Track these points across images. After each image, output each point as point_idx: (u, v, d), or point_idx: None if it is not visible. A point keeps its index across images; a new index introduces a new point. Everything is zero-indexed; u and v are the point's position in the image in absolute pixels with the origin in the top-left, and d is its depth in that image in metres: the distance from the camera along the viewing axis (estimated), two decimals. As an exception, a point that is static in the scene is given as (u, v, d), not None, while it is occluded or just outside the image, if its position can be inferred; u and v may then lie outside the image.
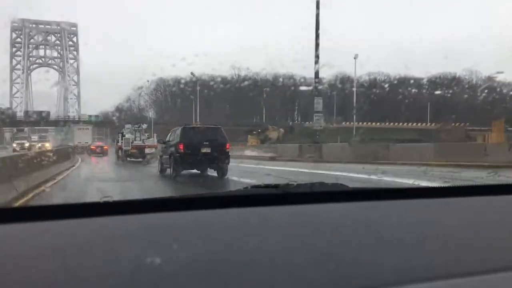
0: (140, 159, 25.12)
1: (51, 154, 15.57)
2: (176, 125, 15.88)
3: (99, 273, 0.90)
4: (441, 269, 0.95)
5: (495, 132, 34.11)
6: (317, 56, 25.44)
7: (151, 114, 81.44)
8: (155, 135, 27.52)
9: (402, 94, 75.43)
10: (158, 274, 0.88)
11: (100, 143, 39.03)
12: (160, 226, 1.22)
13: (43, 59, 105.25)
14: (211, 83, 70.51)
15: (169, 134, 15.74)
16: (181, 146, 13.65)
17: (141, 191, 10.61)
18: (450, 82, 79.20)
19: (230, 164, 14.13)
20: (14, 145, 40.90)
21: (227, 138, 14.79)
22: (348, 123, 56.78)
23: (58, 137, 58.44)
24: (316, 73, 26.95)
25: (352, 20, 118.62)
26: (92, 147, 37.77)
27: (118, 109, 78.90)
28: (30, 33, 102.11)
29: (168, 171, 14.55)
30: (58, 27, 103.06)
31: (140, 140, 26.63)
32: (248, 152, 31.66)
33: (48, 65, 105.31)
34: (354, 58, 42.99)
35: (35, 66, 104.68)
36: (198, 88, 54.15)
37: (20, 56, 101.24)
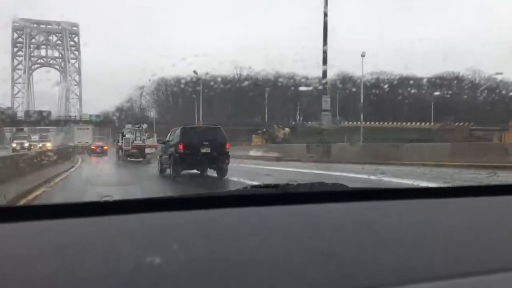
0: (140, 159, 25.16)
1: (51, 154, 15.51)
2: (178, 125, 15.77)
3: (99, 272, 0.90)
4: (441, 269, 0.94)
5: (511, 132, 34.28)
6: (325, 52, 25.33)
7: (152, 114, 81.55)
8: (155, 135, 27.52)
9: (402, 94, 75.47)
10: (158, 274, 0.88)
11: (100, 143, 38.96)
12: (160, 226, 1.22)
13: (44, 59, 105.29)
14: (211, 83, 70.53)
15: (169, 134, 15.67)
16: (180, 146, 13.62)
17: (141, 191, 10.59)
18: (453, 81, 79.09)
19: (237, 165, 13.87)
20: (14, 145, 40.47)
21: (227, 138, 14.75)
22: (350, 122, 56.74)
23: (58, 137, 58.40)
24: (324, 73, 26.92)
25: (352, 20, 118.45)
26: (92, 147, 37.74)
27: (119, 109, 78.93)
28: (32, 33, 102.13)
29: (168, 171, 14.51)
30: (59, 27, 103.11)
31: (141, 140, 26.66)
32: (253, 152, 30.99)
33: (50, 65, 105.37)
34: (362, 55, 42.27)
35: (36, 66, 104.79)
36: (200, 87, 53.93)
37: (21, 56, 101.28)
